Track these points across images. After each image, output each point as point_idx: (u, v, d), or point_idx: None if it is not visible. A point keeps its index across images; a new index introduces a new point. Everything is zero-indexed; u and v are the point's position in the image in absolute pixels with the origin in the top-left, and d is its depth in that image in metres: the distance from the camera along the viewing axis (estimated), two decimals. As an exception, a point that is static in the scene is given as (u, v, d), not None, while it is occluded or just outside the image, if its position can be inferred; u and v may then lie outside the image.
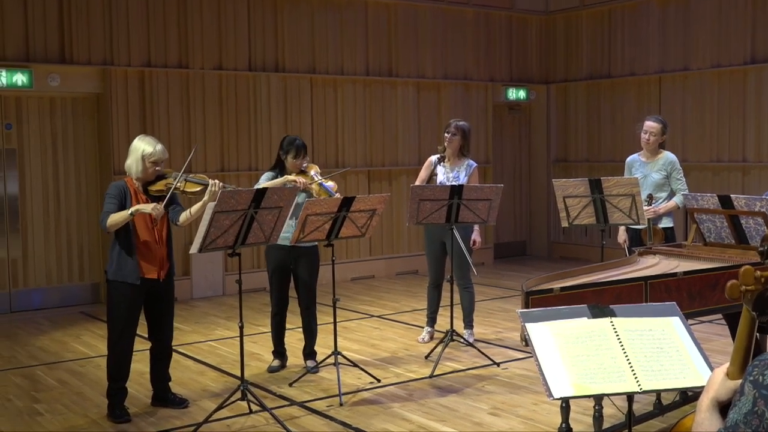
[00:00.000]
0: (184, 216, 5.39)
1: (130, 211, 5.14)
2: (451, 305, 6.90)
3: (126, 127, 9.43)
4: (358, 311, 9.02)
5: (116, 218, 5.16)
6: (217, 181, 5.29)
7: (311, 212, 5.69)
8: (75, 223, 9.54)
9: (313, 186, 6.29)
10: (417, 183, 7.21)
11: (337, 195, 6.21)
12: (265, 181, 6.35)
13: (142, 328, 5.70)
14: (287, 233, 6.16)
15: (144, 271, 5.29)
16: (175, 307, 9.17)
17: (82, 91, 9.41)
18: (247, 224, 5.22)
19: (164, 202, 5.28)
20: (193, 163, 9.91)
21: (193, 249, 5.09)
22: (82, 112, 9.56)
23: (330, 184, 6.35)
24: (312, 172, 6.40)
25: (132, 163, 5.30)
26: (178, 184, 5.28)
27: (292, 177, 6.26)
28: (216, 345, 7.61)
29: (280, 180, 6.29)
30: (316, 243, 6.27)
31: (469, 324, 7.45)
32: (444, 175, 7.26)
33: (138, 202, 5.29)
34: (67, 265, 9.56)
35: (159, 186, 5.32)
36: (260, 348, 7.40)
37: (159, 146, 5.31)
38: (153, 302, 5.45)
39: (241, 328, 5.47)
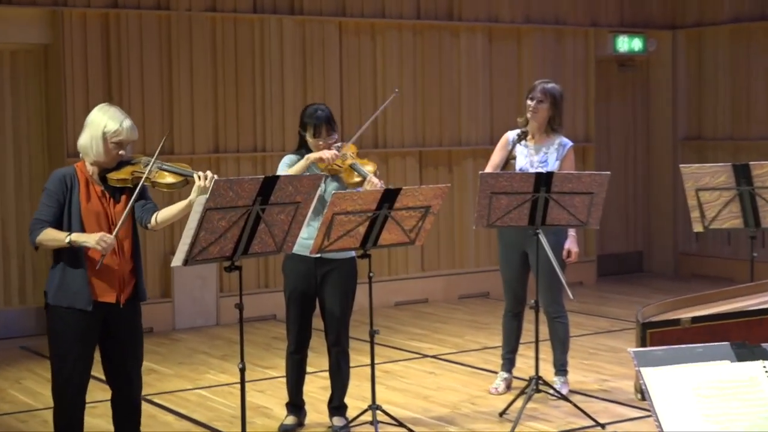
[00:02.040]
0: (157, 217, 5.31)
1: (67, 239, 5.05)
2: (536, 342, 6.86)
3: (84, 91, 9.53)
4: (406, 349, 9.02)
5: (49, 239, 5.08)
6: (208, 173, 5.20)
7: (340, 209, 5.70)
8: (13, 226, 9.66)
9: (342, 166, 6.29)
10: (488, 170, 7.18)
11: (375, 180, 6.20)
12: (286, 169, 6.37)
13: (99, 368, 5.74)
14: (309, 239, 6.18)
15: (98, 292, 5.23)
16: (153, 341, 9.35)
17: (25, 41, 9.52)
18: (251, 226, 5.23)
19: (131, 202, 5.21)
20: (174, 142, 10.00)
21: (176, 261, 5.10)
22: (25, 69, 9.67)
23: (367, 168, 6.35)
24: (349, 152, 6.41)
25: (87, 142, 5.26)
26: (150, 174, 5.21)
27: (313, 155, 6.28)
28: (207, 394, 7.67)
29: (301, 164, 6.29)
30: (353, 253, 6.26)
31: (561, 369, 7.42)
32: (527, 159, 7.23)
33: (89, 197, 5.25)
34: (2, 284, 9.68)
35: (122, 174, 5.25)
36: (269, 399, 7.42)
37: (127, 122, 5.25)
38: (111, 337, 5.39)
39: (243, 371, 5.49)
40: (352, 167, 6.33)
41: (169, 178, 5.22)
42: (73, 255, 5.15)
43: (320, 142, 6.38)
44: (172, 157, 9.76)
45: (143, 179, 5.15)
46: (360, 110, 10.83)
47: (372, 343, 6.23)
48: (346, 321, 6.52)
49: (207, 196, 4.98)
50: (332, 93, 10.58)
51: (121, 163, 5.27)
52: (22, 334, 9.60)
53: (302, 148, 6.51)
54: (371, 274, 6.18)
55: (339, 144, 6.48)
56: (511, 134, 7.29)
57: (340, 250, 6.02)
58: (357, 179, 6.29)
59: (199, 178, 5.14)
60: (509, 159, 7.25)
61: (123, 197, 5.26)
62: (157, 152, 5.22)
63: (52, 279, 5.22)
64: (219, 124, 10.24)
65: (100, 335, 5.30)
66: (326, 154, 6.26)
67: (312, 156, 6.27)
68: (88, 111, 9.79)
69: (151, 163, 5.19)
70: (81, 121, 5.27)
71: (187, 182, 5.25)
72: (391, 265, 11.10)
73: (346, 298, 6.49)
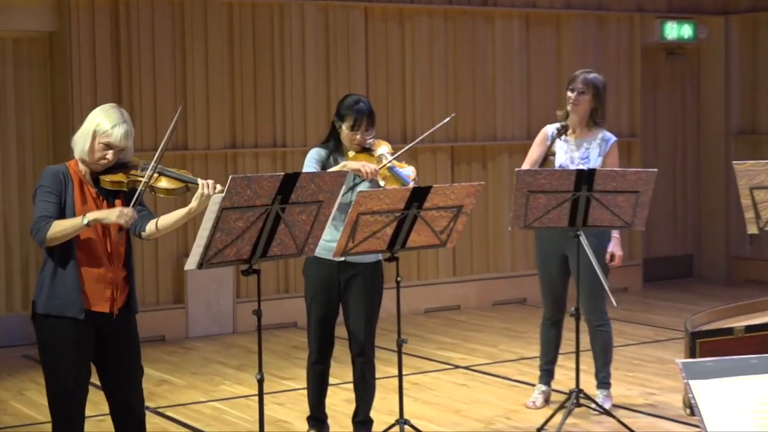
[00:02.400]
0: (157, 224, 5.26)
1: (85, 220, 5.02)
2: (577, 352, 6.85)
3: (92, 82, 9.55)
4: (436, 359, 9.02)
5: (63, 228, 5.05)
6: (210, 182, 5.16)
7: (365, 209, 5.70)
8: (16, 225, 9.71)
9: (381, 172, 6.25)
10: (525, 166, 7.17)
11: (412, 185, 6.19)
12: (313, 167, 6.35)
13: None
14: (332, 241, 6.19)
15: (90, 301, 5.22)
16: (165, 350, 9.38)
17: (28, 28, 9.58)
18: (270, 227, 5.24)
19: (132, 204, 5.16)
20: (188, 137, 10.03)
21: (190, 264, 5.11)
22: (28, 59, 9.72)
23: (407, 170, 6.30)
24: (380, 150, 6.36)
25: (78, 137, 5.26)
26: (149, 179, 5.15)
27: (353, 164, 6.23)
28: (223, 407, 7.69)
29: (335, 169, 6.23)
30: (379, 256, 6.26)
31: (604, 381, 7.40)
32: (567, 155, 7.22)
33: (84, 199, 5.22)
34: (4, 288, 9.74)
35: (117, 177, 5.21)
36: (288, 412, 7.45)
37: (122, 127, 5.19)
38: (105, 348, 5.39)
39: (261, 381, 5.50)
40: (391, 172, 6.27)
41: (169, 184, 5.18)
42: (63, 261, 5.13)
43: (357, 136, 6.35)
44: (186, 153, 9.84)
45: (143, 183, 5.13)
46: (387, 102, 10.83)
47: (400, 353, 6.23)
48: (371, 329, 6.52)
49: (223, 194, 4.98)
50: (357, 84, 10.58)
51: (116, 166, 5.24)
52: (24, 342, 9.63)
53: (331, 141, 6.48)
54: (399, 279, 6.18)
55: (372, 140, 6.45)
56: (550, 128, 7.28)
57: (366, 253, 6.01)
58: (396, 185, 6.25)
59: (206, 186, 5.12)
60: (548, 155, 7.23)
61: (117, 202, 5.22)
62: (159, 152, 5.15)
63: (40, 287, 5.19)
64: (236, 118, 10.26)
65: (94, 347, 5.30)
66: (367, 168, 6.18)
67: (351, 165, 6.20)
68: (96, 104, 9.78)
69: (150, 168, 5.17)
70: (88, 115, 5.27)
71: (187, 189, 5.22)
72: (421, 269, 11.09)
73: (371, 304, 6.48)
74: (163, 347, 9.47)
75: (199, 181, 5.14)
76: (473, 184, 6.06)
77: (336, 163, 6.33)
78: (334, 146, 6.43)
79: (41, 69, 9.74)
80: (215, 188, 5.09)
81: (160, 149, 5.17)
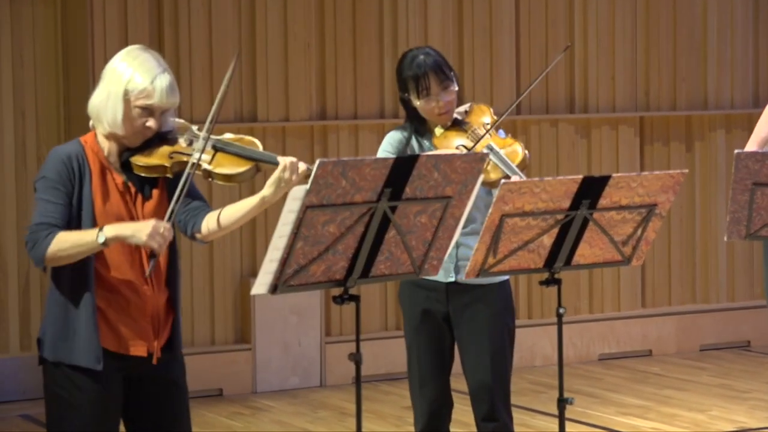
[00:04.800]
0: (218, 219, 5.27)
1: (101, 237, 4.97)
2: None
3: (121, 24, 9.64)
4: (616, 429, 8.98)
5: (70, 244, 5.02)
6: (292, 160, 5.13)
7: (512, 209, 5.68)
8: (13, 235, 9.91)
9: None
10: (751, 147, 7.14)
11: (518, 177, 6.08)
12: (384, 156, 6.34)
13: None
14: (462, 256, 6.21)
15: (116, 341, 5.25)
16: (223, 410, 9.44)
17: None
18: (374, 234, 5.27)
19: (175, 199, 5.07)
20: (258, 104, 10.11)
21: (260, 287, 5.13)
22: (31, -7, 9.91)
23: (512, 150, 6.19)
24: (481, 120, 6.31)
25: (102, 102, 5.19)
26: (202, 157, 5.13)
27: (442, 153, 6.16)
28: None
29: None
30: (507, 277, 6.25)
31: None
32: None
33: (106, 192, 5.19)
34: (-3, 319, 9.93)
35: (156, 158, 5.13)
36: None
37: (163, 79, 5.08)
38: (141, 409, 5.45)
39: (360, 457, 5.55)
40: (491, 154, 6.14)
41: (230, 166, 5.18)
42: (75, 285, 5.14)
43: (434, 103, 6.31)
44: (255, 127, 9.86)
45: (190, 166, 5.11)
46: (546, 61, 10.77)
47: (562, 419, 6.19)
48: (503, 380, 6.48)
49: (307, 186, 4.99)
50: (502, 32, 10.59)
51: (152, 140, 5.25)
52: (23, 397, 9.76)
53: (408, 121, 6.45)
54: (562, 311, 6.14)
55: (467, 105, 6.42)
56: (787, 91, 7.24)
57: (513, 273, 6.00)
58: (495, 177, 6.16)
59: (287, 166, 5.14)
60: (785, 131, 7.20)
61: (156, 192, 5.25)
62: (212, 116, 5.12)
63: (47, 321, 5.22)
64: (326, 78, 10.32)
65: (126, 408, 5.32)
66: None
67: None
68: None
69: (203, 139, 5.16)
70: (106, 67, 5.24)
71: (258, 170, 5.21)
72: (594, 298, 11.03)
73: (499, 343, 6.45)
74: (221, 407, 9.55)
75: (279, 159, 5.12)
76: (672, 173, 6.01)
77: (419, 149, 6.28)
78: (417, 125, 6.41)
79: (48, 5, 9.88)
80: (298, 169, 5.11)
81: (212, 111, 5.13)
